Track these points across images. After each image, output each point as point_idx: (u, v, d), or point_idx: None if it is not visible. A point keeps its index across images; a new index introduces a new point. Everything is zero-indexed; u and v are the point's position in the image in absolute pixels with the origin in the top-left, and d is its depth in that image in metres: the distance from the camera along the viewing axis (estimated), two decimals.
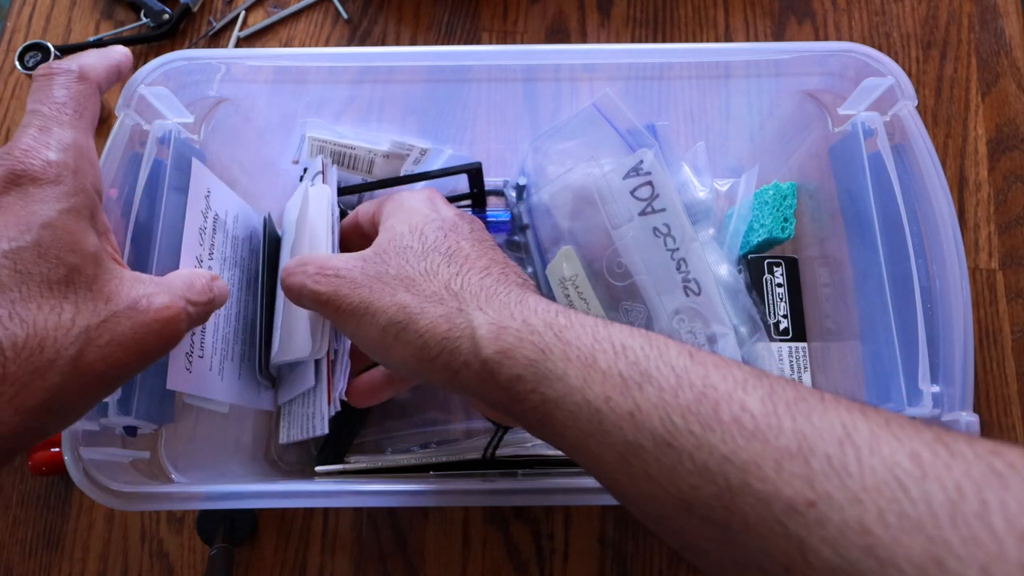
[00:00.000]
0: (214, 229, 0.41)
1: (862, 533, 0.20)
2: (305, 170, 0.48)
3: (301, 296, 0.36)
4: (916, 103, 0.40)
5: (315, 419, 0.41)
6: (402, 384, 0.41)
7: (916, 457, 0.21)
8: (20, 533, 0.52)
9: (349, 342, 0.41)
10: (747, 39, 0.62)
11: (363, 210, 0.42)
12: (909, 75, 0.43)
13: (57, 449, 0.49)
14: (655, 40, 0.62)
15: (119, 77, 0.35)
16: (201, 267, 0.40)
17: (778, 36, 0.62)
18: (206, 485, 0.39)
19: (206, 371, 0.39)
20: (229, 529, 0.49)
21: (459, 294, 0.32)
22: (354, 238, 0.42)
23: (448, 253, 0.34)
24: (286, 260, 0.44)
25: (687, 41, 0.62)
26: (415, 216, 0.37)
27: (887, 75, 0.41)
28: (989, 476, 0.20)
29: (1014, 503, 0.19)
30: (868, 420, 0.23)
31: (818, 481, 0.22)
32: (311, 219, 0.44)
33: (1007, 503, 0.19)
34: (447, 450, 0.47)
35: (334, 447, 0.50)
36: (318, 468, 0.47)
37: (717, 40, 0.62)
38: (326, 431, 0.40)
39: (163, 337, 0.31)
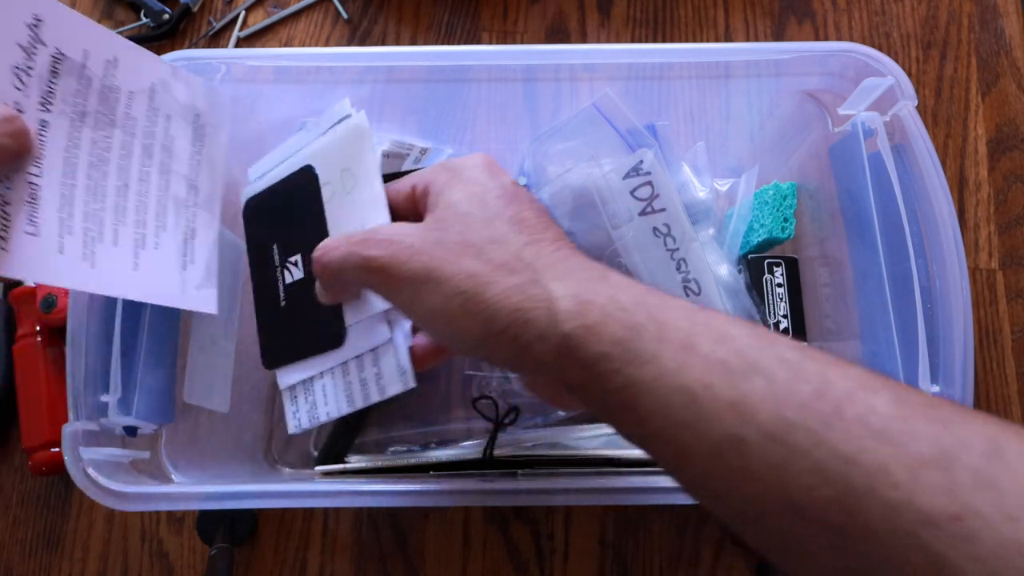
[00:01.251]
0: (54, 72, 0.32)
1: None
2: (305, 123, 0.44)
3: (344, 266, 0.32)
4: (916, 103, 0.40)
5: (388, 377, 0.36)
6: (447, 355, 0.37)
7: None
8: (20, 533, 0.52)
9: None
10: (747, 39, 0.62)
11: (417, 179, 0.36)
12: (909, 75, 0.43)
13: (57, 449, 0.49)
14: (655, 40, 0.62)
15: None
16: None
17: (778, 36, 0.62)
18: (206, 485, 0.39)
19: (44, 253, 0.31)
20: (229, 529, 0.49)
21: (532, 264, 0.29)
22: (403, 211, 0.37)
23: (514, 221, 0.31)
24: (332, 214, 0.38)
25: (687, 41, 0.62)
26: (472, 184, 0.33)
27: (887, 75, 0.41)
28: None
29: None
30: (1021, 437, 0.21)
31: (963, 494, 0.20)
32: (359, 172, 0.37)
33: None
34: (447, 450, 0.47)
35: (334, 447, 0.50)
36: (318, 468, 0.47)
37: (717, 40, 0.62)
38: (413, 384, 0.35)
39: None
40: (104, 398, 0.37)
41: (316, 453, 0.51)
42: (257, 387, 0.52)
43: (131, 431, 0.39)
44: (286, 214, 0.40)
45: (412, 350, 0.36)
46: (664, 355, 0.25)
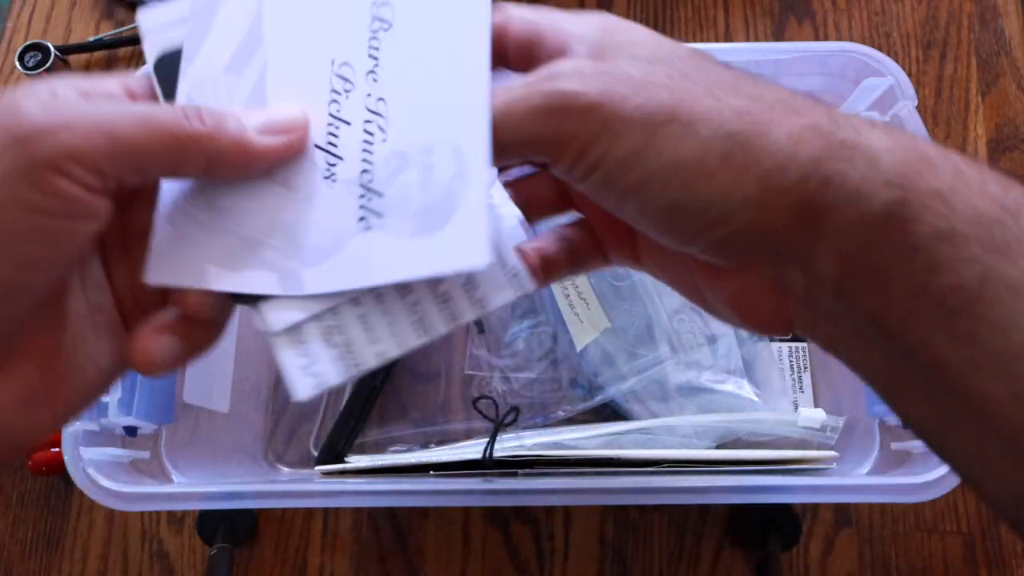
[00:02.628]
0: None
1: None
2: None
3: (514, 108, 0.22)
4: (916, 103, 0.40)
5: (489, 283, 0.25)
6: (582, 267, 0.28)
7: None
8: (20, 533, 0.52)
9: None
10: (747, 39, 0.62)
11: (513, 19, 0.25)
12: (909, 75, 0.43)
13: (57, 449, 0.49)
14: None
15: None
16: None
17: (778, 36, 0.62)
18: (206, 485, 0.39)
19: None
20: (229, 529, 0.49)
21: (822, 108, 0.21)
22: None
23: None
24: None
25: (687, 41, 0.62)
26: (655, 36, 0.24)
27: (887, 75, 0.41)
28: None
29: None
30: None
31: None
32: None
33: None
34: (447, 450, 0.47)
35: (334, 447, 0.50)
36: (318, 468, 0.47)
37: (717, 40, 0.62)
38: (531, 288, 0.25)
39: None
40: (104, 398, 0.38)
41: (316, 453, 0.51)
42: (257, 387, 0.52)
43: (131, 431, 0.39)
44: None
45: (524, 253, 0.26)
46: None
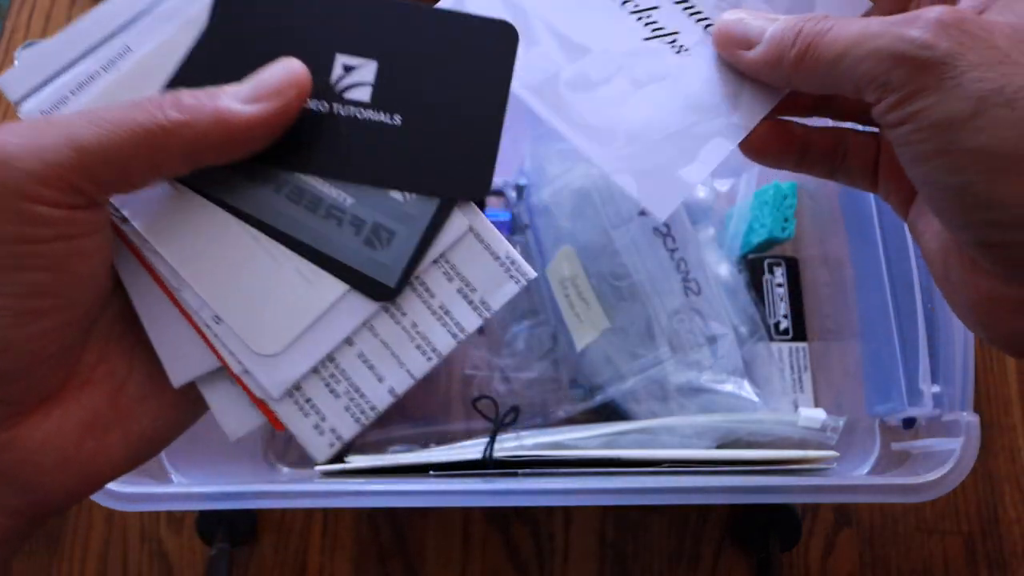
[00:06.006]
0: None
1: None
2: None
3: (863, 44, 0.22)
4: None
5: (485, 280, 0.24)
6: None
7: None
8: None
9: None
10: None
11: None
12: None
13: None
14: None
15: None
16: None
17: None
18: (206, 485, 0.39)
19: None
20: (229, 529, 0.49)
21: None
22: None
23: None
24: None
25: None
26: None
27: None
28: None
29: None
30: None
31: None
32: None
33: None
34: (447, 450, 0.47)
35: None
36: (318, 468, 0.47)
37: None
38: (534, 273, 0.24)
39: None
40: None
41: None
42: None
43: None
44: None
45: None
46: None
